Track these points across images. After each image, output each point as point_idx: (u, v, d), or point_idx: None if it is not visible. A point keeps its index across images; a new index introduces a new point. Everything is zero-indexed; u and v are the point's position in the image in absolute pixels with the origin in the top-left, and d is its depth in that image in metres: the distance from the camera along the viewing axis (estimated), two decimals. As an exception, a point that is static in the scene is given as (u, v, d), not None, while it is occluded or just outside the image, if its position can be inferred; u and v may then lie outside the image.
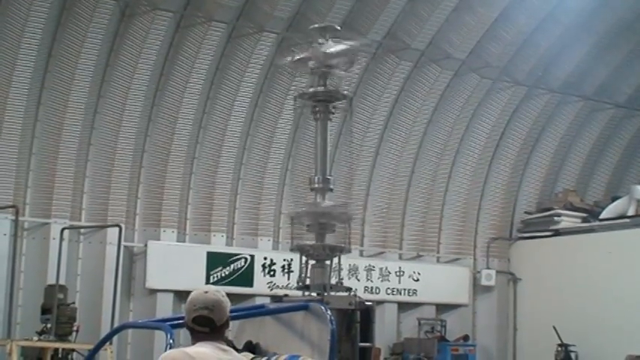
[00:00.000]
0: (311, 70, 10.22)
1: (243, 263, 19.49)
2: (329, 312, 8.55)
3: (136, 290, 18.62)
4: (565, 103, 23.12)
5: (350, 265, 19.77)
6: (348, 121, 14.59)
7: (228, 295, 5.78)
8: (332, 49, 10.26)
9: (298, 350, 8.46)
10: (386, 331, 20.67)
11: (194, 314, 5.60)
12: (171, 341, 7.52)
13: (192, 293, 5.66)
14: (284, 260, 19.72)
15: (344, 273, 10.45)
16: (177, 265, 18.74)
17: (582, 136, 23.81)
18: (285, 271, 19.72)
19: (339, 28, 10.99)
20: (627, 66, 22.94)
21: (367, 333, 9.41)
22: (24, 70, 17.18)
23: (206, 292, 5.70)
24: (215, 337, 5.64)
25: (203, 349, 5.54)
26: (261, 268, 19.67)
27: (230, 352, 5.69)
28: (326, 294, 9.56)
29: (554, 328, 20.62)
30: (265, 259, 19.74)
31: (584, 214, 22.93)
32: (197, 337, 5.64)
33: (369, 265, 21.17)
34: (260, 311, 9.10)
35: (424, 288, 21.84)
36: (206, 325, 5.61)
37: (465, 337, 22.10)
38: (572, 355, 20.79)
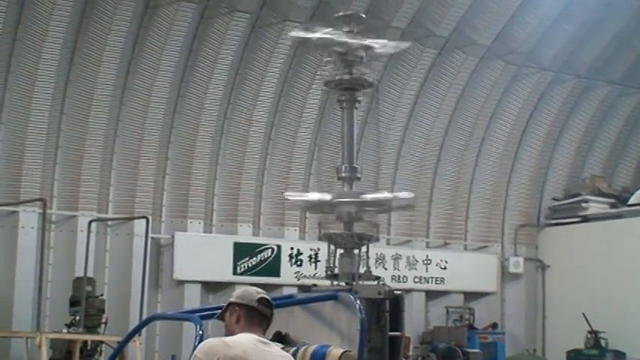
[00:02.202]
0: (337, 58, 10.12)
1: (270, 253, 19.45)
2: (358, 301, 8.47)
3: (164, 282, 18.63)
4: (591, 89, 22.89)
5: (377, 253, 19.65)
6: (374, 109, 14.53)
7: (256, 285, 5.87)
8: (376, 46, 10.16)
9: (327, 340, 8.38)
10: (414, 320, 20.55)
11: (259, 296, 5.70)
12: (200, 332, 7.49)
13: (240, 288, 5.83)
14: (311, 250, 19.67)
15: (371, 262, 10.34)
16: (204, 256, 18.74)
17: (609, 122, 23.58)
18: (312, 260, 19.67)
19: (363, 15, 10.86)
20: (654, 50, 22.72)
21: (397, 322, 9.29)
22: (49, 63, 17.18)
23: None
24: (262, 328, 5.70)
25: (241, 339, 5.56)
26: (287, 258, 19.63)
27: (270, 344, 5.69)
28: (355, 283, 9.47)
29: (583, 314, 20.49)
30: (292, 249, 19.69)
31: (613, 200, 22.74)
32: (251, 322, 5.67)
33: (396, 254, 21.09)
34: (289, 301, 9.00)
35: (452, 276, 21.73)
36: (270, 308, 5.71)
37: (494, 325, 21.99)
38: (602, 341, 20.64)
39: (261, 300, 5.73)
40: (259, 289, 5.84)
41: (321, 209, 10.42)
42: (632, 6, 21.27)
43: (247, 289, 5.89)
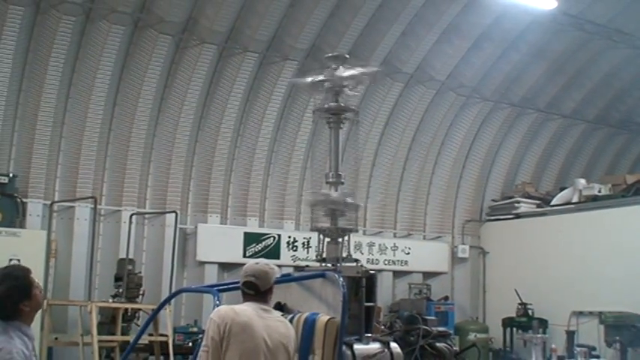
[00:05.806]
0: (326, 90, 10.03)
1: (272, 241, 19.36)
2: (341, 279, 8.41)
3: (189, 262, 18.51)
4: (523, 115, 22.90)
5: (355, 242, 19.49)
6: (354, 130, 14.46)
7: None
8: (345, 74, 10.06)
9: (317, 309, 8.32)
10: (384, 294, 20.49)
11: (244, 279, 5.64)
12: (217, 302, 7.43)
13: (247, 264, 5.70)
14: (304, 238, 19.57)
15: (351, 248, 10.25)
16: (220, 243, 18.62)
17: (536, 140, 23.61)
18: (305, 247, 19.59)
19: (347, 56, 10.78)
20: (571, 85, 22.75)
21: (371, 295, 9.17)
22: (100, 91, 17.07)
23: (257, 264, 5.75)
24: (259, 299, 5.61)
25: (247, 307, 5.50)
26: (286, 245, 19.51)
27: (270, 311, 5.63)
28: (339, 265, 9.39)
29: (515, 290, 20.47)
30: (289, 237, 19.56)
31: (539, 201, 22.72)
32: (246, 298, 5.65)
33: (370, 242, 21.01)
34: (287, 278, 8.91)
35: (413, 259, 21.65)
36: (252, 289, 5.60)
37: (446, 298, 21.93)
38: (530, 311, 20.61)
39: (244, 283, 5.66)
40: (254, 269, 5.66)
41: (316, 205, 10.30)
42: (554, 51, 21.34)
43: (244, 269, 5.76)
